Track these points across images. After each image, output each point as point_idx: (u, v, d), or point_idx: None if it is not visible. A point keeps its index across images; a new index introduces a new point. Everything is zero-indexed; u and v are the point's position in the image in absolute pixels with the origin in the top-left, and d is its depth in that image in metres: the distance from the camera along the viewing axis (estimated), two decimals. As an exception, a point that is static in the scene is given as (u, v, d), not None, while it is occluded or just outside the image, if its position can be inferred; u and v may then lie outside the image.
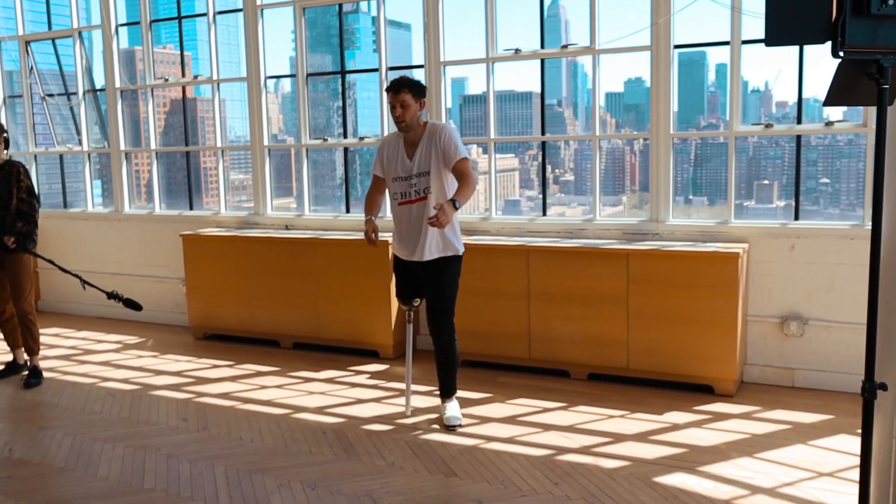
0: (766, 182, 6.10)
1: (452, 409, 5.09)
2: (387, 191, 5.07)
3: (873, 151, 2.61)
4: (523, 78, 6.89)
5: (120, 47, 8.17)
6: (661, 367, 5.57)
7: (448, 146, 4.71)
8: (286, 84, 8.13)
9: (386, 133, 6.67)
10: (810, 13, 2.30)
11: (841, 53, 2.34)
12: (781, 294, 5.61)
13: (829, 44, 2.34)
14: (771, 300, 5.64)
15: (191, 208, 8.09)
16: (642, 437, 4.72)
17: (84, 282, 5.81)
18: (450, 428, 4.96)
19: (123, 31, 8.18)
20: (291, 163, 7.68)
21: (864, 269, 4.51)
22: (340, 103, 7.31)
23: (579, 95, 6.98)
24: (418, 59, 6.80)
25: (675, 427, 4.88)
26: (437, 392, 5.25)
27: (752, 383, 5.68)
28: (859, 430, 2.81)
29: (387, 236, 5.81)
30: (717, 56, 6.14)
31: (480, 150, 6.88)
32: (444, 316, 4.94)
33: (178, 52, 7.91)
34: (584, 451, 4.55)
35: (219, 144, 7.79)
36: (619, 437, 4.73)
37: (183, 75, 7.96)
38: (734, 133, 5.77)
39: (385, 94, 4.84)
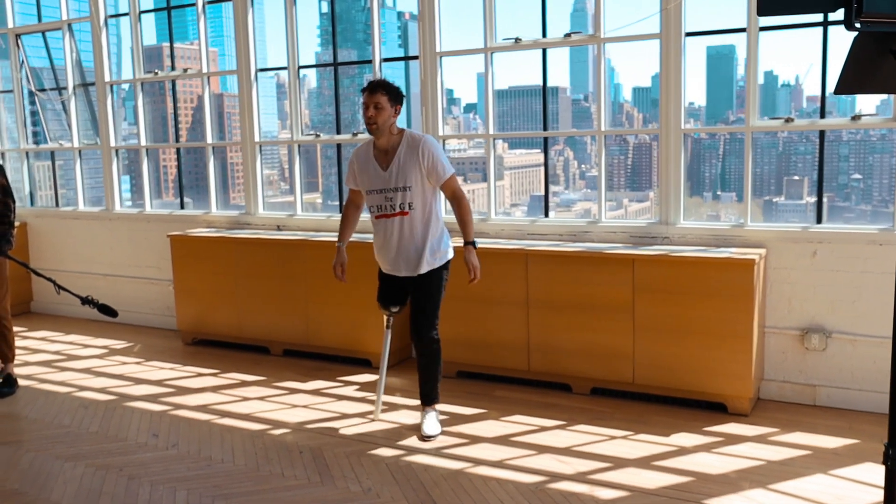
0: (796, 178, 5.76)
1: (429, 422, 4.82)
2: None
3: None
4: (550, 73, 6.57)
5: (144, 43, 7.77)
6: (670, 382, 5.14)
7: (435, 165, 4.56)
8: (312, 79, 7.81)
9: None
10: (817, -28, 1.85)
11: (857, 25, 1.88)
12: (802, 304, 5.15)
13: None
14: (790, 311, 5.18)
15: (181, 207, 7.76)
16: (645, 463, 4.30)
17: (58, 286, 5.48)
18: (424, 439, 4.70)
19: (150, 27, 7.82)
20: (317, 158, 7.33)
21: (893, 278, 4.06)
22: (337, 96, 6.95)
23: (606, 90, 6.69)
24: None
25: (682, 451, 4.45)
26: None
27: (770, 400, 5.24)
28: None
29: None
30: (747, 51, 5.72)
31: (507, 144, 6.71)
32: (426, 322, 4.72)
33: (206, 48, 7.52)
34: (580, 478, 4.14)
35: (209, 140, 7.44)
36: (619, 462, 4.31)
37: (173, 68, 7.61)
38: (751, 128, 5.32)
39: (361, 94, 4.61)
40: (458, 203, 4.65)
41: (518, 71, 6.58)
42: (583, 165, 6.81)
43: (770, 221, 5.48)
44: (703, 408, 5.07)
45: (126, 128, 8.27)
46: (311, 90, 7.90)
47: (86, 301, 5.40)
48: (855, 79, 1.98)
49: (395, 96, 4.55)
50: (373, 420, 5.03)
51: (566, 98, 6.69)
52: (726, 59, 6.07)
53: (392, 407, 5.29)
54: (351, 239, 6.17)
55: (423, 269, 4.66)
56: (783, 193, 5.86)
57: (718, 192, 6.11)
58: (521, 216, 6.31)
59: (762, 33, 5.28)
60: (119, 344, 7.19)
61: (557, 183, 6.79)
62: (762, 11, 1.95)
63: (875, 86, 2.00)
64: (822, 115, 5.21)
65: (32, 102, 8.68)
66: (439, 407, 5.02)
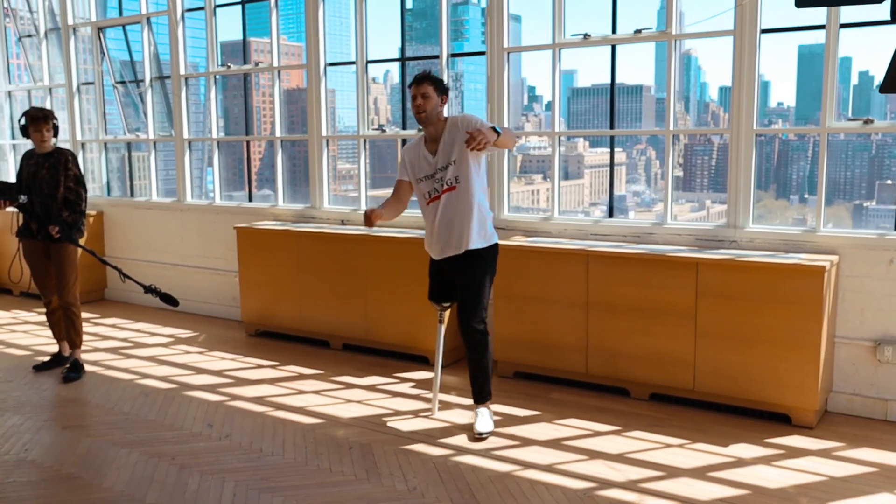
0: (889, 182, 5.49)
1: (482, 419, 4.79)
2: (412, 197, 4.91)
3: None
4: (636, 70, 6.45)
5: (219, 38, 7.89)
6: (732, 390, 4.96)
7: (473, 122, 4.52)
8: (395, 75, 7.82)
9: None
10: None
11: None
12: (875, 314, 4.91)
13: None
14: (863, 321, 4.95)
15: (250, 200, 7.87)
16: (699, 473, 4.15)
17: (123, 274, 5.63)
18: (476, 437, 4.68)
19: (238, 22, 7.91)
20: (397, 153, 7.33)
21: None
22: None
23: (692, 89, 6.56)
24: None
25: (740, 462, 4.28)
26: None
27: (837, 413, 5.01)
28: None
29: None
30: (842, 49, 5.46)
31: (587, 143, 6.59)
32: (473, 315, 4.69)
33: (292, 44, 7.62)
34: (630, 486, 4.02)
35: (278, 134, 7.52)
36: (672, 472, 4.18)
37: (245, 62, 7.71)
38: (826, 130, 5.10)
39: (408, 89, 4.73)
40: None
41: (605, 69, 6.44)
42: (665, 166, 6.70)
43: (859, 226, 5.24)
44: (766, 418, 4.88)
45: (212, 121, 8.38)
46: (393, 86, 7.92)
47: (149, 289, 5.51)
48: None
49: (441, 87, 4.67)
50: (430, 417, 5.03)
51: (650, 97, 6.54)
52: (819, 59, 5.84)
53: (446, 405, 5.25)
54: (408, 235, 6.20)
55: (468, 246, 4.63)
56: (874, 198, 5.62)
57: (806, 196, 5.89)
58: (599, 215, 6.17)
59: (848, 30, 5.05)
60: (185, 333, 7.33)
61: (639, 183, 6.66)
62: (800, 3, 1.82)
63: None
64: (905, 116, 4.96)
65: (123, 94, 8.90)
66: (493, 406, 4.98)
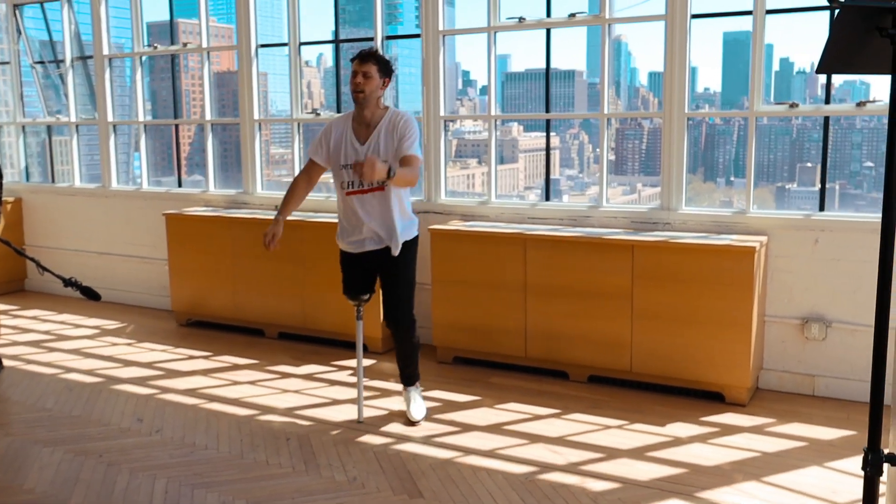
0: (808, 165, 5.63)
1: (416, 404, 4.75)
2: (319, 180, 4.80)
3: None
4: (568, 55, 6.42)
5: (145, 19, 7.60)
6: (668, 371, 5.03)
7: (405, 134, 4.36)
8: (328, 58, 7.65)
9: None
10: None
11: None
12: (803, 293, 5.03)
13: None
14: (791, 300, 5.06)
15: (179, 185, 7.66)
16: (638, 454, 4.20)
17: (41, 266, 5.36)
18: (413, 423, 4.65)
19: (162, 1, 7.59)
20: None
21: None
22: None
23: (622, 74, 6.57)
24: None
25: (677, 441, 4.34)
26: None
27: (768, 390, 5.13)
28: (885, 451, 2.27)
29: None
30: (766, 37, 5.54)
31: (521, 127, 6.55)
32: (405, 309, 4.58)
33: (222, 26, 7.40)
34: (571, 468, 4.04)
35: (208, 118, 7.32)
36: (612, 453, 4.21)
37: (172, 43, 7.48)
38: (755, 113, 5.18)
39: (350, 63, 4.49)
40: (410, 164, 4.32)
41: (539, 54, 6.41)
42: (598, 149, 6.75)
43: (782, 208, 5.35)
44: (701, 397, 4.97)
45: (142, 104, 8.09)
46: (327, 69, 7.77)
47: (68, 283, 5.24)
48: (838, 57, 1.82)
49: (385, 68, 4.43)
50: (359, 422, 4.71)
51: (582, 82, 6.56)
52: (743, 45, 5.97)
53: (384, 393, 5.20)
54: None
55: (396, 250, 4.47)
56: (795, 180, 5.76)
57: (732, 179, 6.01)
58: (534, 199, 6.16)
59: (774, 17, 5.14)
60: (111, 324, 7.10)
61: (572, 167, 6.70)
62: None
63: (860, 65, 1.83)
64: (828, 101, 5.06)
65: (43, 76, 8.54)
66: (432, 392, 5.01)
